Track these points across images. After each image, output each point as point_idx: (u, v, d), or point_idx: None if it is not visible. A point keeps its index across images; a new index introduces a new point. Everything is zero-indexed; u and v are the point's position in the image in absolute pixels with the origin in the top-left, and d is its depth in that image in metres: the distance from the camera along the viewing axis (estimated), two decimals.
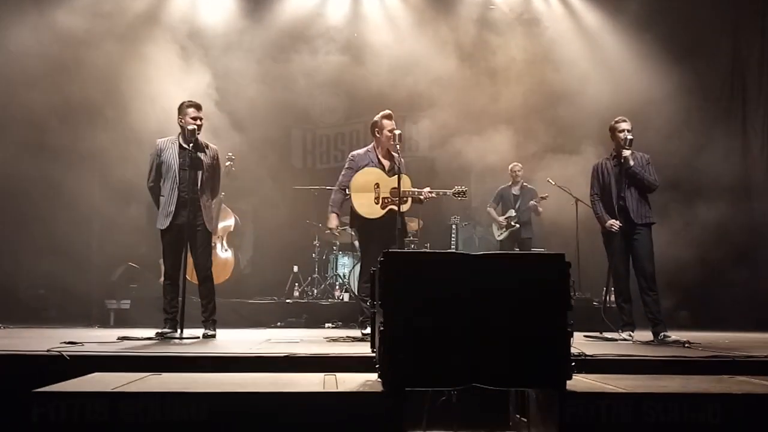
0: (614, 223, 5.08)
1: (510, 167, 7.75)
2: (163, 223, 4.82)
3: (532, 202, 7.61)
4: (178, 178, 4.81)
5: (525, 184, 7.74)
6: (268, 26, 8.26)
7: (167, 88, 7.26)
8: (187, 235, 4.80)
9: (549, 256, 2.62)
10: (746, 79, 8.47)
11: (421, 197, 5.03)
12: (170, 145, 4.88)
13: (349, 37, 8.43)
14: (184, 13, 7.93)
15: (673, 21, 8.19)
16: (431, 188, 5.11)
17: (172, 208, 4.78)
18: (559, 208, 7.84)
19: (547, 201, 7.69)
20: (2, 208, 6.98)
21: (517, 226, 7.57)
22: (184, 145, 4.83)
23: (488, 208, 7.95)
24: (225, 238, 7.43)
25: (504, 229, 7.70)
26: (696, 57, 8.14)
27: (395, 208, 4.86)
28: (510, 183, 7.81)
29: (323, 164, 9.21)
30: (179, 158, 4.82)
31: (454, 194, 5.17)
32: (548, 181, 7.53)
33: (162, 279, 5.05)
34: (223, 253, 7.37)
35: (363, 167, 5.08)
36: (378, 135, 5.13)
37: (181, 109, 4.90)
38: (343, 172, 5.15)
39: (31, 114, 6.79)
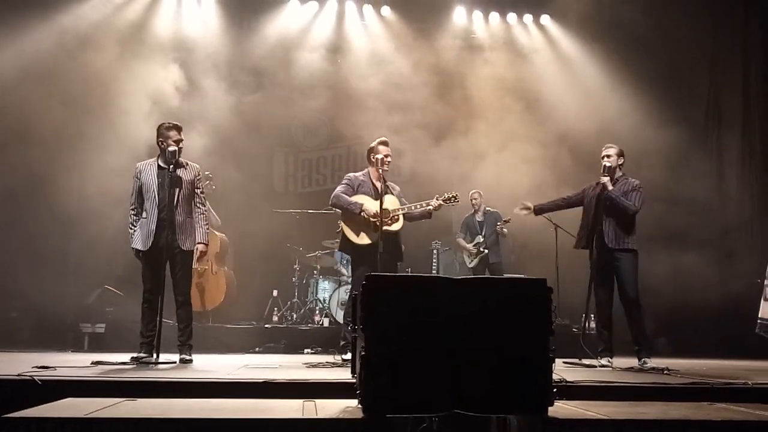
0: None
1: (469, 194, 7.80)
2: (145, 244, 4.77)
3: (498, 224, 7.65)
4: (157, 199, 4.79)
5: (488, 208, 7.78)
6: (252, 49, 8.32)
7: (147, 108, 7.26)
8: (167, 257, 4.75)
9: (531, 281, 2.63)
10: (722, 105, 8.71)
11: (430, 208, 5.18)
12: (148, 167, 4.87)
13: (333, 62, 8.52)
14: (168, 33, 7.95)
15: (651, 48, 8.44)
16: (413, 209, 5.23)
17: (153, 227, 4.76)
18: (539, 234, 7.91)
19: (525, 226, 7.73)
20: None
21: (486, 251, 7.61)
22: (163, 166, 4.82)
23: (457, 239, 7.99)
24: (213, 260, 7.33)
25: (474, 257, 7.74)
26: (673, 83, 8.37)
27: (387, 228, 4.98)
28: (473, 211, 7.85)
29: (305, 188, 9.21)
30: (158, 179, 4.82)
31: (444, 201, 5.22)
32: (522, 203, 7.57)
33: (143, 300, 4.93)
34: (213, 275, 7.29)
35: (357, 187, 5.19)
36: (373, 160, 5.21)
37: (161, 131, 4.88)
38: (337, 189, 5.22)
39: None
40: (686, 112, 8.46)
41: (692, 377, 4.07)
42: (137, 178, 4.85)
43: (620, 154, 5.26)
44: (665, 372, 4.51)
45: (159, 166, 4.85)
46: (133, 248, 4.82)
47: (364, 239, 5.11)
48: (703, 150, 8.57)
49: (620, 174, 5.24)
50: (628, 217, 5.14)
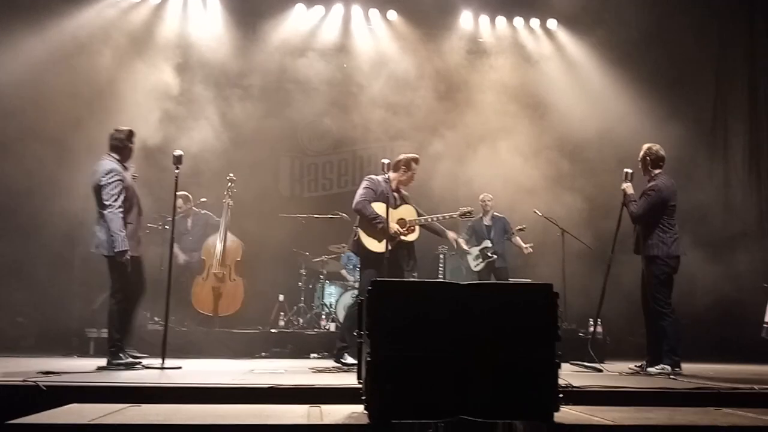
0: None
1: (480, 198, 7.76)
2: (136, 249, 4.86)
3: (509, 233, 7.63)
4: (139, 204, 4.95)
5: (495, 214, 7.76)
6: (259, 53, 8.34)
7: (153, 112, 7.29)
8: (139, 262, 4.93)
9: (537, 286, 2.62)
10: (728, 107, 8.66)
11: (434, 219, 5.31)
12: (123, 170, 4.91)
13: (339, 67, 8.52)
14: (174, 38, 7.98)
15: (658, 52, 8.41)
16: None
17: (139, 234, 4.93)
18: (546, 239, 7.89)
19: (532, 230, 7.72)
20: None
21: (494, 256, 7.58)
22: (129, 172, 4.97)
23: (462, 243, 7.87)
24: (233, 268, 7.37)
25: (480, 260, 7.70)
26: (680, 86, 8.34)
27: (404, 238, 5.16)
28: (481, 214, 7.83)
29: (311, 192, 9.21)
30: (131, 183, 4.95)
31: (460, 216, 5.38)
32: (534, 212, 7.59)
33: (114, 304, 4.89)
34: (232, 282, 7.31)
35: (379, 193, 5.23)
36: (404, 172, 5.36)
37: (132, 135, 5.03)
38: (361, 192, 5.23)
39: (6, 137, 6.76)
40: (692, 114, 8.40)
41: (698, 382, 4.04)
42: (122, 180, 4.84)
43: (642, 157, 5.22)
44: (671, 377, 4.48)
45: (125, 169, 4.95)
46: (121, 251, 4.72)
47: (380, 247, 5.14)
48: (710, 153, 8.53)
49: (655, 173, 5.17)
50: (643, 223, 5.09)
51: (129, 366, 4.63)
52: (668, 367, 4.84)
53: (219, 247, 7.25)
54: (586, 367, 5.02)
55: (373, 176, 5.38)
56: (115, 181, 4.76)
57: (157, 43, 7.84)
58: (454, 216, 5.32)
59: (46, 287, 6.60)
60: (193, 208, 7.35)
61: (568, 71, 8.86)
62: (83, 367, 4.57)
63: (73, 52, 7.23)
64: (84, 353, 6.53)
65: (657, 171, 5.17)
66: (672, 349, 4.94)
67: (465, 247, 6.59)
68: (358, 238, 5.19)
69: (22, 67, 7.04)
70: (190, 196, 7.32)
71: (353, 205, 5.25)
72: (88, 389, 3.35)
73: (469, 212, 5.40)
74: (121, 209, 4.76)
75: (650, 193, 5.10)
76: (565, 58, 8.93)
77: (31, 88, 6.94)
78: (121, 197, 4.77)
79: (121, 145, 4.94)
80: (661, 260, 5.02)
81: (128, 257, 4.75)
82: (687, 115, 8.24)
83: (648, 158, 5.19)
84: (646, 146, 5.28)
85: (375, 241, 5.16)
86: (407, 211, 5.28)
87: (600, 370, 4.88)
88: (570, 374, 4.33)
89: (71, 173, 6.78)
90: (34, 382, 3.31)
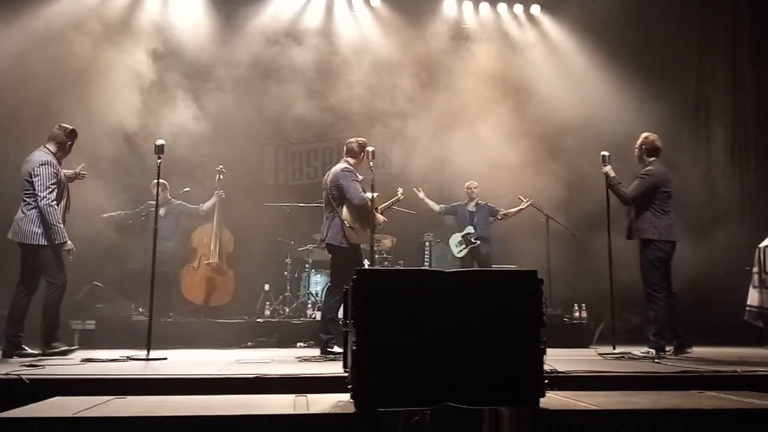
0: None
1: (466, 185, 7.80)
2: (65, 236, 4.91)
3: (492, 219, 7.67)
4: (68, 200, 5.09)
5: (479, 201, 7.80)
6: (240, 42, 8.24)
7: (135, 102, 7.19)
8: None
9: (521, 273, 2.63)
10: (710, 96, 8.72)
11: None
12: (56, 163, 4.99)
13: (322, 54, 8.45)
14: (154, 26, 7.85)
15: (640, 37, 8.43)
16: (400, 206, 6.00)
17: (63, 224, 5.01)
18: (530, 224, 7.93)
19: (516, 217, 7.76)
20: None
21: (477, 242, 7.62)
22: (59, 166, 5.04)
23: (429, 200, 7.77)
24: (226, 259, 7.44)
25: (463, 246, 7.74)
26: (661, 68, 8.37)
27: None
28: (466, 200, 7.86)
29: (295, 181, 9.16)
30: (64, 177, 5.06)
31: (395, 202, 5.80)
32: (519, 198, 7.62)
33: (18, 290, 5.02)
34: (224, 274, 7.39)
35: (360, 181, 5.32)
36: (361, 157, 5.40)
37: (74, 135, 5.12)
38: (355, 185, 5.23)
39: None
40: (675, 101, 8.46)
41: (682, 366, 4.09)
42: (56, 174, 4.93)
43: (640, 144, 5.32)
44: (655, 360, 4.53)
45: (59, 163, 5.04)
46: (61, 242, 4.89)
47: (362, 238, 5.29)
48: (692, 139, 8.60)
49: (650, 161, 5.26)
50: (636, 207, 5.16)
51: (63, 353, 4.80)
52: (653, 351, 4.91)
53: (215, 239, 7.25)
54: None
55: (347, 166, 5.34)
56: (49, 173, 4.87)
57: (136, 30, 7.72)
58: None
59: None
60: (168, 196, 7.27)
61: (551, 57, 8.88)
62: (67, 360, 4.53)
63: (48, 40, 7.09)
64: (69, 345, 6.46)
65: (651, 159, 5.27)
66: (659, 333, 5.03)
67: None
68: (343, 230, 5.18)
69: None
70: (167, 184, 7.24)
71: (356, 201, 5.18)
72: (72, 382, 3.32)
73: (397, 199, 5.88)
74: (55, 201, 4.87)
75: (643, 176, 5.18)
76: (549, 44, 8.94)
77: (4, 76, 6.81)
78: (55, 190, 4.88)
79: (60, 141, 5.05)
80: (653, 244, 5.09)
81: (71, 247, 4.93)
82: (669, 98, 8.30)
83: (644, 146, 5.30)
84: (643, 135, 5.38)
85: (355, 233, 5.24)
86: (377, 199, 5.36)
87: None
88: (555, 359, 4.37)
89: None
90: (18, 375, 3.28)
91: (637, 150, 5.36)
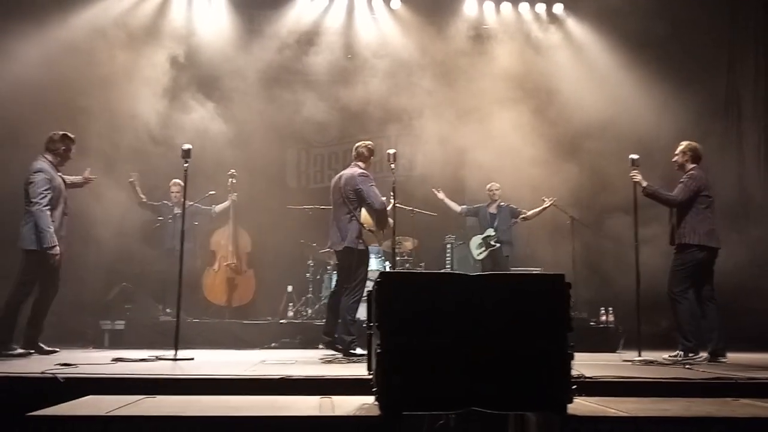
0: None
1: (488, 187, 7.75)
2: (53, 241, 4.99)
3: (514, 221, 7.61)
4: (64, 204, 5.17)
5: (501, 203, 7.74)
6: (263, 46, 8.31)
7: (158, 107, 7.31)
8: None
9: (549, 276, 2.60)
10: (741, 94, 8.51)
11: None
12: (54, 171, 5.12)
13: (343, 57, 8.48)
14: (178, 32, 7.95)
15: (668, 38, 8.27)
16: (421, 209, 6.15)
17: (62, 233, 5.13)
18: (555, 226, 7.86)
19: (540, 218, 7.69)
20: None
21: (497, 245, 7.56)
22: (59, 174, 5.18)
23: (449, 201, 7.74)
24: (244, 259, 7.55)
25: (483, 249, 7.69)
26: (691, 74, 8.21)
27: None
28: (488, 202, 7.81)
29: (317, 183, 9.20)
30: (61, 184, 5.17)
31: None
32: (543, 199, 7.55)
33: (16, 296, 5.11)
34: (244, 274, 7.49)
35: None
36: (371, 160, 5.60)
37: (66, 139, 5.21)
38: (375, 190, 5.37)
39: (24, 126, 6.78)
40: (703, 99, 8.28)
41: (715, 372, 4.01)
42: (49, 180, 5.05)
43: (685, 150, 5.30)
44: (687, 367, 4.45)
45: (56, 170, 5.17)
46: (50, 246, 4.96)
47: (374, 241, 5.61)
48: (722, 138, 8.40)
49: (690, 167, 5.25)
50: (677, 210, 5.15)
51: (20, 356, 4.88)
52: (681, 353, 4.89)
53: (231, 240, 7.34)
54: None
55: (363, 171, 5.45)
56: (42, 180, 5.00)
57: (159, 37, 7.81)
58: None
59: (61, 281, 6.67)
60: (182, 198, 7.34)
61: (574, 56, 8.76)
62: (99, 359, 4.62)
63: (73, 48, 7.22)
64: (99, 345, 6.61)
65: (693, 165, 5.26)
66: (684, 335, 4.99)
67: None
68: (360, 233, 5.31)
69: (22, 65, 7.08)
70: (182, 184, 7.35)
71: (377, 206, 5.33)
72: (104, 381, 3.39)
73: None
74: (47, 207, 4.98)
75: (686, 180, 5.17)
76: (572, 43, 8.82)
77: (27, 85, 6.96)
78: (48, 196, 4.99)
79: (53, 147, 5.18)
80: (691, 248, 5.09)
81: (57, 252, 4.99)
82: (696, 96, 8.10)
83: (689, 153, 5.27)
84: (685, 143, 5.36)
85: (374, 236, 5.48)
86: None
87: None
88: (582, 364, 4.32)
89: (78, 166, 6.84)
90: (53, 374, 3.36)
91: (679, 156, 5.31)
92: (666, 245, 5.42)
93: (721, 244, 5.22)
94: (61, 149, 5.19)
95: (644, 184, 5.19)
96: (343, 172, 5.57)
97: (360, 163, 5.51)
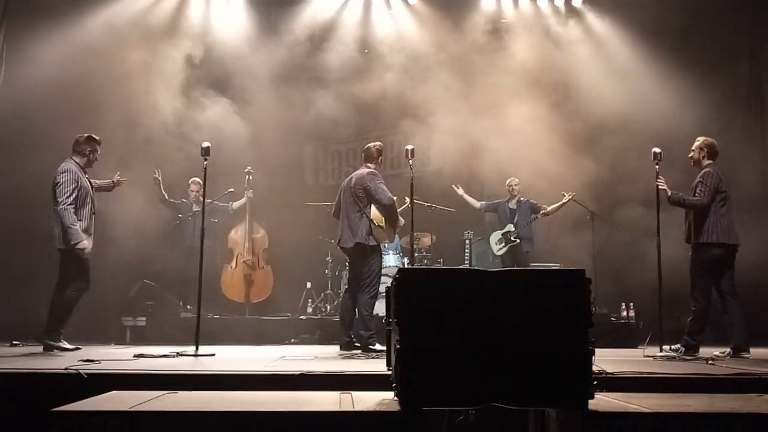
0: None
1: (507, 182, 7.72)
2: (79, 237, 5.10)
3: (534, 216, 7.55)
4: (92, 203, 5.30)
5: (521, 198, 7.69)
6: (279, 44, 8.33)
7: (176, 105, 7.37)
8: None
9: (569, 272, 2.58)
10: (764, 85, 8.34)
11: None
12: (81, 172, 5.26)
13: (360, 53, 8.48)
14: (196, 30, 8.00)
15: (688, 28, 8.13)
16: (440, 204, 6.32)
17: (91, 231, 5.25)
18: (575, 221, 7.78)
19: (559, 214, 7.63)
20: (22, 222, 7.03)
21: (517, 241, 7.51)
22: (86, 176, 5.31)
23: (469, 198, 7.77)
24: (261, 256, 7.63)
25: (503, 244, 7.65)
26: (712, 64, 8.07)
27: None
28: (507, 198, 7.76)
29: (335, 180, 9.21)
30: (88, 185, 5.30)
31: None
32: (563, 194, 7.48)
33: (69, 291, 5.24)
34: (261, 270, 7.58)
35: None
36: (379, 160, 5.78)
37: (91, 141, 5.32)
38: (383, 187, 5.53)
39: (47, 127, 6.89)
40: (725, 90, 8.14)
41: (738, 367, 3.96)
42: (76, 181, 5.17)
43: (701, 146, 5.29)
44: (710, 362, 4.40)
45: (84, 172, 5.30)
46: (76, 242, 5.07)
47: (385, 238, 5.71)
48: (744, 131, 8.25)
49: (706, 163, 5.26)
50: (701, 212, 5.12)
51: (65, 350, 5.01)
52: (682, 349, 4.97)
53: (247, 237, 7.42)
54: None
55: (372, 170, 5.62)
56: (67, 180, 5.13)
57: (176, 35, 7.85)
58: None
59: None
60: (200, 196, 7.41)
61: (594, 49, 8.64)
62: (121, 355, 4.69)
63: (91, 47, 7.31)
64: (121, 341, 6.71)
65: (708, 162, 5.24)
66: (691, 333, 5.06)
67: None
68: (371, 229, 5.43)
69: (41, 66, 7.19)
70: (200, 182, 7.42)
71: (385, 201, 5.49)
72: (127, 377, 3.45)
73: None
74: (72, 205, 5.10)
75: (703, 179, 5.14)
76: (592, 36, 8.70)
77: (46, 86, 7.07)
78: (73, 195, 5.11)
79: (79, 149, 5.30)
80: (707, 246, 5.07)
81: (86, 248, 5.12)
82: (717, 86, 7.96)
83: (706, 149, 5.26)
84: (701, 138, 5.33)
85: (383, 232, 5.58)
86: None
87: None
88: (603, 360, 4.29)
89: (102, 168, 6.94)
90: (76, 370, 3.41)
91: (695, 152, 5.29)
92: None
93: (740, 240, 5.17)
94: (86, 150, 5.31)
95: (669, 192, 5.19)
96: (353, 174, 5.76)
97: (369, 164, 5.68)
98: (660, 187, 5.24)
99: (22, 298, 6.70)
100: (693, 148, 5.31)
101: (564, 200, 7.41)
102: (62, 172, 5.17)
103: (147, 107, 7.38)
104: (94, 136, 5.40)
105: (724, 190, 5.14)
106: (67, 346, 5.10)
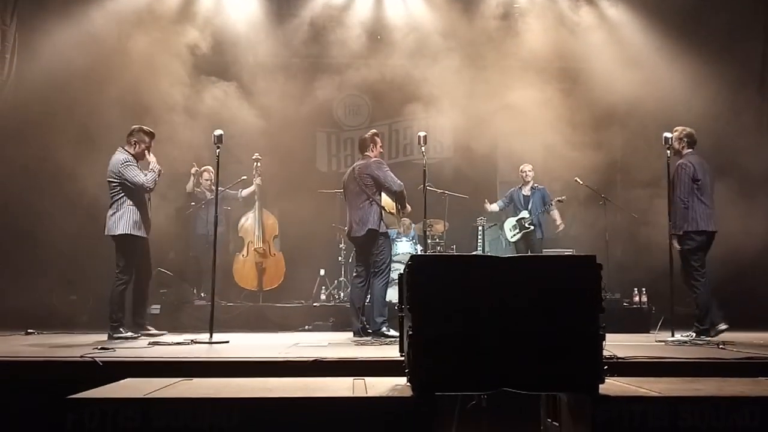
0: None
1: (520, 168, 7.69)
2: (145, 232, 5.35)
3: (549, 203, 7.51)
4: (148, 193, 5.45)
5: (535, 185, 7.65)
6: (291, 30, 8.32)
7: (188, 92, 7.39)
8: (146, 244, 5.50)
9: (580, 258, 2.58)
10: None
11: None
12: (134, 160, 5.40)
13: (372, 40, 8.43)
14: (208, 19, 8.00)
15: (702, 9, 8.00)
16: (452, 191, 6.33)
17: (149, 216, 5.45)
18: (588, 207, 7.74)
19: (572, 200, 7.59)
20: (36, 213, 7.12)
21: (531, 227, 7.49)
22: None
23: (488, 204, 7.78)
24: (272, 243, 7.68)
25: (517, 231, 7.63)
26: (723, 45, 7.94)
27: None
28: (520, 184, 7.73)
29: (348, 167, 9.21)
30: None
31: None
32: (576, 180, 7.45)
33: (122, 282, 5.36)
34: (273, 257, 7.62)
35: None
36: (378, 145, 5.75)
37: (140, 134, 5.43)
38: (392, 174, 5.57)
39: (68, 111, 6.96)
40: (739, 73, 8.00)
41: (747, 351, 3.94)
42: (137, 167, 5.39)
43: (680, 137, 5.39)
44: (720, 347, 4.39)
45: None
46: (159, 173, 5.43)
47: (394, 223, 5.84)
48: (758, 115, 8.12)
49: (686, 152, 5.38)
50: (683, 204, 5.25)
51: (128, 339, 5.12)
52: (693, 335, 5.08)
53: (258, 225, 7.46)
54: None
55: (375, 158, 5.62)
56: (131, 166, 5.30)
57: (187, 21, 7.84)
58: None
59: (96, 266, 6.85)
60: (211, 185, 7.45)
61: (607, 35, 8.52)
62: (135, 343, 4.76)
63: (103, 33, 7.34)
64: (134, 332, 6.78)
65: (688, 151, 5.37)
66: (699, 318, 5.19)
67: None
68: (381, 215, 5.49)
69: (50, 53, 7.23)
70: (212, 169, 7.44)
71: (395, 188, 5.53)
72: (142, 364, 3.50)
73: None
74: (143, 175, 5.30)
75: (678, 171, 5.28)
76: (605, 22, 8.59)
77: (57, 73, 7.11)
78: (140, 176, 5.29)
79: (135, 141, 5.41)
80: (689, 235, 5.21)
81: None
82: (732, 69, 7.84)
83: (686, 139, 5.37)
84: (680, 128, 5.43)
85: (394, 217, 5.66)
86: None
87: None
88: (614, 345, 4.29)
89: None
90: (92, 357, 3.47)
91: (675, 143, 5.35)
92: None
93: (718, 226, 5.32)
94: (136, 141, 5.42)
95: (678, 247, 5.29)
96: (355, 164, 5.75)
97: (369, 153, 5.66)
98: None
99: (36, 288, 6.81)
100: (672, 138, 5.36)
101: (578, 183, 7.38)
102: (123, 162, 5.32)
103: (157, 96, 7.39)
104: (144, 127, 5.51)
105: (700, 179, 5.25)
106: (126, 334, 5.23)
